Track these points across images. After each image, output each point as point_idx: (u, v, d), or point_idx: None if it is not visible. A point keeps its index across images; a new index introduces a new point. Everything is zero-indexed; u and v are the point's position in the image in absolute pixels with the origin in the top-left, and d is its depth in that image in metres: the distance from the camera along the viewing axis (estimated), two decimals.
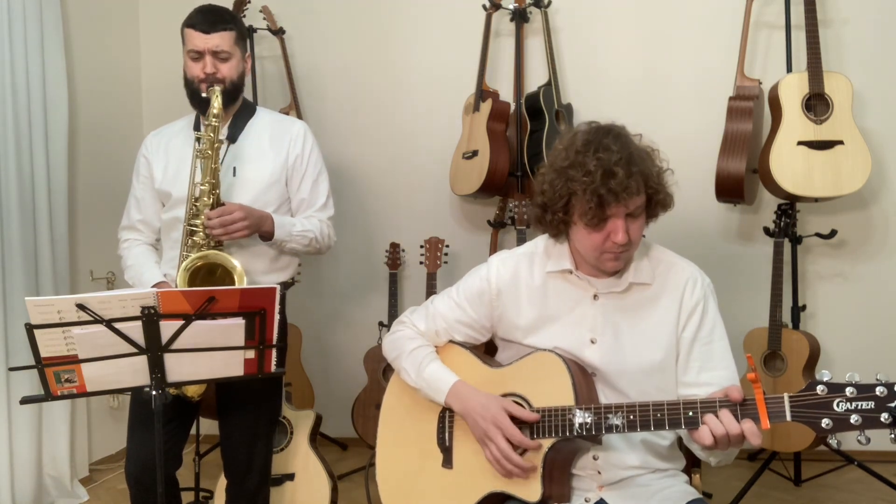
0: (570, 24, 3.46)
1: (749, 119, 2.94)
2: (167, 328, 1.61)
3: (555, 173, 1.59)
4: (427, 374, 1.73)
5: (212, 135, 2.14)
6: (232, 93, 2.25)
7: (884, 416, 1.30)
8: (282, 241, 2.25)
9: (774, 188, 2.89)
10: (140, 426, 2.15)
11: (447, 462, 1.71)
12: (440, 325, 1.80)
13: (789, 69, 3.09)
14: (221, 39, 2.20)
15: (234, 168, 2.27)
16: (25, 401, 1.68)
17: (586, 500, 1.64)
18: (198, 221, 2.13)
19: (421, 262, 3.35)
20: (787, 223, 2.93)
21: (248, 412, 2.30)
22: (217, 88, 2.16)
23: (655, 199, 1.58)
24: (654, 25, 3.40)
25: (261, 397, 2.30)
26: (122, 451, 3.56)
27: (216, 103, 2.15)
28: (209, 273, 2.12)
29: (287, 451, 2.74)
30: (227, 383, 2.18)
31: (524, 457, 1.58)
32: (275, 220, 2.22)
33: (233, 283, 2.08)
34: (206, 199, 2.13)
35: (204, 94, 2.18)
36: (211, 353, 1.68)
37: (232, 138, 2.28)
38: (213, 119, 2.14)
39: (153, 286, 2.19)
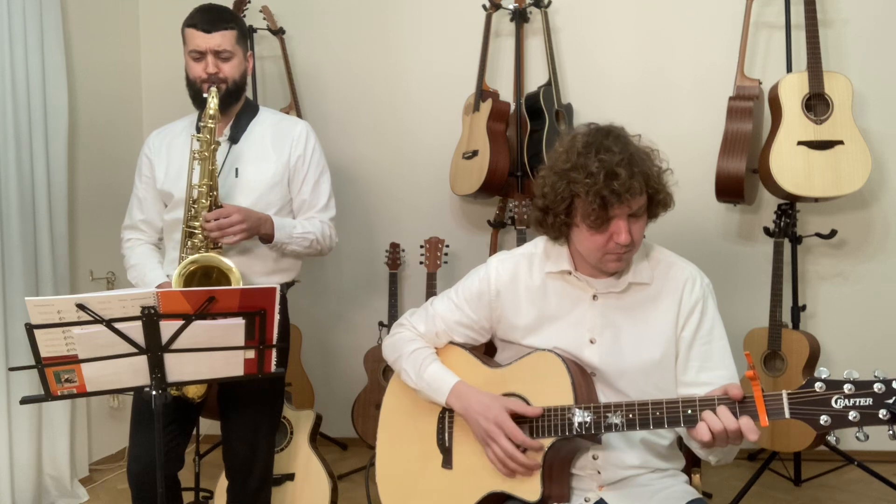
0: (570, 24, 3.46)
1: (749, 119, 2.94)
2: (167, 328, 1.61)
3: (556, 176, 1.59)
4: (427, 375, 1.73)
5: (208, 136, 2.12)
6: (234, 93, 2.23)
7: (882, 413, 1.30)
8: (282, 243, 2.23)
9: (774, 188, 2.89)
10: (142, 426, 2.15)
11: (447, 462, 1.71)
12: (440, 327, 1.80)
13: (789, 69, 3.09)
14: (223, 39, 2.18)
15: (237, 169, 2.25)
16: (25, 401, 1.68)
17: (586, 500, 1.64)
18: (196, 223, 2.12)
19: (421, 263, 3.35)
20: (787, 223, 2.93)
21: (251, 412, 2.29)
22: (213, 90, 2.14)
23: (656, 199, 1.59)
24: (654, 25, 3.40)
25: (263, 397, 2.30)
26: (122, 451, 3.57)
27: (213, 104, 2.13)
28: (205, 276, 2.11)
29: (287, 451, 2.74)
30: (230, 383, 2.18)
31: (526, 454, 1.58)
32: (275, 222, 2.21)
33: (229, 284, 2.07)
34: (203, 200, 2.11)
35: (206, 95, 2.16)
36: (211, 353, 1.67)
37: (234, 139, 2.26)
38: (210, 120, 2.12)
39: (157, 287, 2.17)
